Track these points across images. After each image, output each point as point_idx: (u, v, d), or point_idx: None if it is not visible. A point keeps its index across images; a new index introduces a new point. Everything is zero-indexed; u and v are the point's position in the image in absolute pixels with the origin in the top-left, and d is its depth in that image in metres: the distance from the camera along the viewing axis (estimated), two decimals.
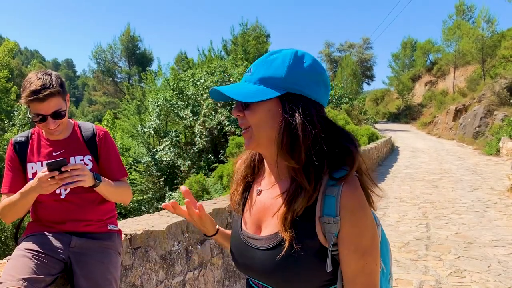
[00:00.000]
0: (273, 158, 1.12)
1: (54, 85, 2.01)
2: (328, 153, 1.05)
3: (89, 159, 2.13)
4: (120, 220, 2.49)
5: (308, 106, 1.05)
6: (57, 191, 2.07)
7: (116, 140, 26.50)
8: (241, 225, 1.23)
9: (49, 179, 1.84)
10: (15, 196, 1.97)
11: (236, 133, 23.43)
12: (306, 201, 1.04)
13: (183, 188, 1.25)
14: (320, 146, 1.04)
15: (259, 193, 1.20)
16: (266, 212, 1.16)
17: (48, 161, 1.86)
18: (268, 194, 1.17)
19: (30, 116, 2.04)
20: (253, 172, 1.26)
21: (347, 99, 29.46)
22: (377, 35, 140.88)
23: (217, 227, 1.36)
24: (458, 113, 29.56)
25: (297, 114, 1.03)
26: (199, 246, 3.36)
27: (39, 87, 1.97)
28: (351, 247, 1.03)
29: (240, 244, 1.20)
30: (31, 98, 1.97)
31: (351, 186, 1.03)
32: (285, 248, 1.03)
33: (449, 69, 41.53)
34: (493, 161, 16.82)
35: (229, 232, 1.40)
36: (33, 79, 2.01)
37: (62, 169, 1.84)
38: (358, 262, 1.03)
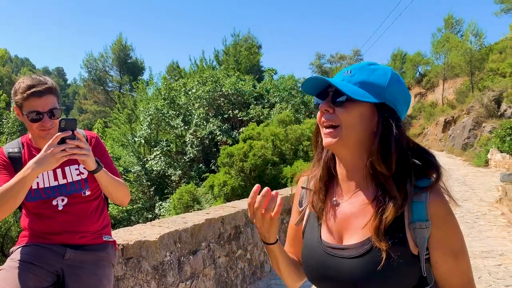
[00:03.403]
0: (354, 161, 1.15)
1: (50, 83, 1.99)
2: (412, 164, 1.09)
3: (84, 167, 2.10)
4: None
5: (399, 120, 1.11)
6: (54, 203, 2.03)
7: (107, 149, 26.32)
8: (320, 236, 1.20)
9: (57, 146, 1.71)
10: (10, 182, 1.78)
11: (228, 142, 23.42)
12: (396, 210, 1.06)
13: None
14: (407, 157, 1.09)
15: (337, 203, 1.19)
16: (348, 221, 1.15)
17: (61, 118, 1.76)
18: (348, 204, 1.17)
19: (25, 113, 1.94)
20: (329, 177, 1.24)
21: None
22: (367, 47, 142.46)
23: (277, 236, 1.27)
24: (447, 124, 29.90)
25: (393, 125, 1.08)
26: (191, 257, 3.34)
27: (36, 83, 1.94)
28: (446, 250, 1.08)
29: (319, 255, 1.17)
30: (29, 92, 1.91)
31: (439, 193, 1.08)
32: (383, 258, 1.04)
33: (438, 81, 42.03)
34: (482, 173, 17.00)
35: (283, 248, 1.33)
36: (26, 79, 1.97)
37: (67, 141, 1.73)
38: (453, 263, 1.09)
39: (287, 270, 1.30)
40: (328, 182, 1.23)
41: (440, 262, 1.08)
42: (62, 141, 1.75)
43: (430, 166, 1.11)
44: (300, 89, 32.90)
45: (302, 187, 1.33)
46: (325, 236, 1.18)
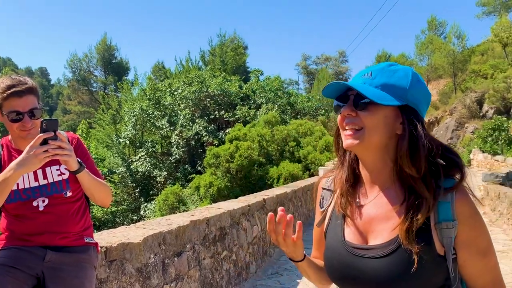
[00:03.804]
0: (376, 163, 1.15)
1: (30, 83, 1.98)
2: (438, 164, 1.10)
3: (65, 168, 2.07)
4: (94, 232, 2.43)
5: (422, 121, 1.11)
6: (35, 204, 1.99)
7: (91, 150, 26.03)
8: (343, 237, 1.20)
9: (40, 147, 1.70)
10: None
11: (214, 143, 23.39)
12: (427, 211, 1.06)
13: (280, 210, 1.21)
14: (433, 158, 1.09)
15: (361, 204, 1.19)
16: (373, 222, 1.15)
17: (43, 119, 1.75)
18: (373, 205, 1.17)
19: (5, 114, 1.93)
20: (355, 180, 1.24)
21: (323, 111, 29.84)
22: (352, 48, 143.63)
23: (304, 253, 1.28)
24: (430, 125, 30.33)
25: (419, 126, 1.08)
26: (175, 259, 3.32)
27: (16, 83, 1.93)
28: (474, 249, 1.08)
29: (343, 255, 1.17)
30: (9, 92, 1.89)
31: (464, 193, 1.08)
32: (415, 260, 1.03)
33: None
34: None
35: (313, 259, 1.35)
36: (6, 79, 1.96)
37: (50, 142, 1.73)
38: (481, 261, 1.09)
39: (317, 278, 1.33)
40: (354, 184, 1.24)
41: (469, 261, 1.08)
42: (44, 142, 1.74)
43: (454, 165, 1.10)
44: (287, 90, 32.93)
45: (323, 188, 1.34)
46: (349, 237, 1.18)
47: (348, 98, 1.13)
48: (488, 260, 1.10)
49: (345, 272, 1.16)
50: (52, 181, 2.04)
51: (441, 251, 1.06)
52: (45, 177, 2.04)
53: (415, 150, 1.08)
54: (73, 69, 54.35)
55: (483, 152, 19.31)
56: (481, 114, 25.31)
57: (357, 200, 1.21)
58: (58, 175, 2.06)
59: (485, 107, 25.53)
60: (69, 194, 2.06)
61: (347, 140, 1.13)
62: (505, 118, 21.04)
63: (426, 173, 1.08)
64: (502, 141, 19.55)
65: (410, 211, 1.07)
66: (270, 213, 1.19)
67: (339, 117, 1.16)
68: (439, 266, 1.06)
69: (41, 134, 1.73)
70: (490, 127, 20.21)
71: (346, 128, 1.13)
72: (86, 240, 2.11)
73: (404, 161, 1.08)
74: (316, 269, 1.32)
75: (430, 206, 1.06)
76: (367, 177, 1.19)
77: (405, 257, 1.05)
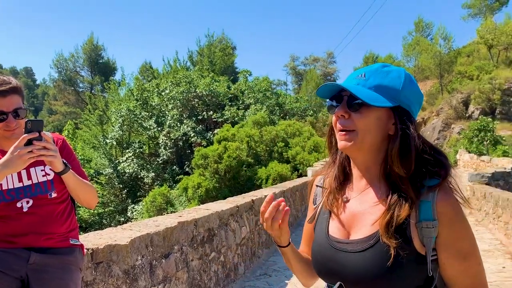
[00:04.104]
0: (368, 163, 1.16)
1: (14, 83, 1.95)
2: (426, 164, 1.10)
3: (50, 169, 2.04)
4: (81, 234, 2.39)
5: (414, 121, 1.13)
6: (19, 205, 1.96)
7: (77, 151, 25.73)
8: (327, 231, 1.22)
9: (24, 148, 1.69)
10: None
11: (202, 144, 23.32)
12: (409, 209, 1.06)
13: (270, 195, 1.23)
14: (422, 158, 1.10)
15: (347, 200, 1.21)
16: (357, 217, 1.16)
17: (28, 119, 1.74)
18: (358, 201, 1.18)
19: None
20: (345, 178, 1.26)
21: (311, 112, 29.97)
22: (340, 49, 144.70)
23: (290, 239, 1.31)
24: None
25: (411, 127, 1.09)
26: (163, 260, 3.29)
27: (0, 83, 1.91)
28: (452, 251, 1.06)
29: (326, 249, 1.18)
30: None
31: (446, 193, 1.08)
32: (392, 255, 1.03)
33: None
34: None
35: (300, 252, 1.38)
36: None
37: (34, 142, 1.72)
38: (460, 265, 1.07)
39: (299, 269, 1.35)
40: (343, 182, 1.25)
41: (448, 263, 1.07)
42: (29, 142, 1.72)
43: (440, 166, 1.11)
44: (275, 90, 32.98)
45: (317, 186, 1.36)
46: (333, 231, 1.20)
47: (342, 98, 1.14)
48: (469, 265, 1.08)
49: (328, 266, 1.17)
50: (37, 181, 2.01)
51: (422, 251, 1.06)
52: (29, 177, 2.01)
53: (406, 150, 1.08)
54: (59, 69, 53.70)
55: (469, 152, 19.57)
56: (467, 115, 25.65)
57: (344, 195, 1.22)
58: (43, 176, 2.03)
59: (471, 108, 25.88)
60: (54, 195, 2.03)
61: (341, 142, 1.14)
62: (490, 119, 21.36)
63: (412, 173, 1.09)
64: (488, 141, 19.83)
65: (391, 206, 1.08)
66: (270, 193, 1.21)
67: (333, 117, 1.17)
68: (419, 265, 1.06)
69: (26, 134, 1.72)
70: (476, 128, 20.48)
71: (340, 129, 1.14)
72: (71, 242, 2.08)
73: (395, 161, 1.09)
74: (300, 259, 1.34)
75: (412, 204, 1.06)
76: (357, 175, 1.21)
77: (383, 253, 1.05)
